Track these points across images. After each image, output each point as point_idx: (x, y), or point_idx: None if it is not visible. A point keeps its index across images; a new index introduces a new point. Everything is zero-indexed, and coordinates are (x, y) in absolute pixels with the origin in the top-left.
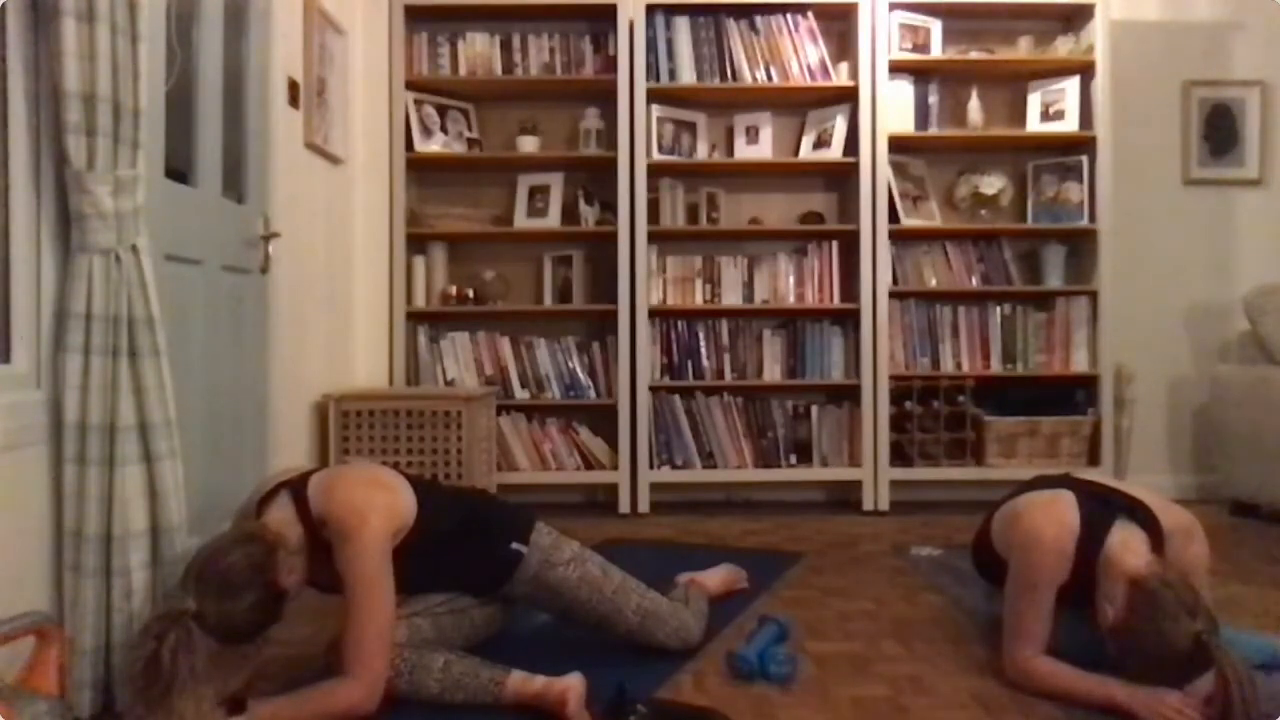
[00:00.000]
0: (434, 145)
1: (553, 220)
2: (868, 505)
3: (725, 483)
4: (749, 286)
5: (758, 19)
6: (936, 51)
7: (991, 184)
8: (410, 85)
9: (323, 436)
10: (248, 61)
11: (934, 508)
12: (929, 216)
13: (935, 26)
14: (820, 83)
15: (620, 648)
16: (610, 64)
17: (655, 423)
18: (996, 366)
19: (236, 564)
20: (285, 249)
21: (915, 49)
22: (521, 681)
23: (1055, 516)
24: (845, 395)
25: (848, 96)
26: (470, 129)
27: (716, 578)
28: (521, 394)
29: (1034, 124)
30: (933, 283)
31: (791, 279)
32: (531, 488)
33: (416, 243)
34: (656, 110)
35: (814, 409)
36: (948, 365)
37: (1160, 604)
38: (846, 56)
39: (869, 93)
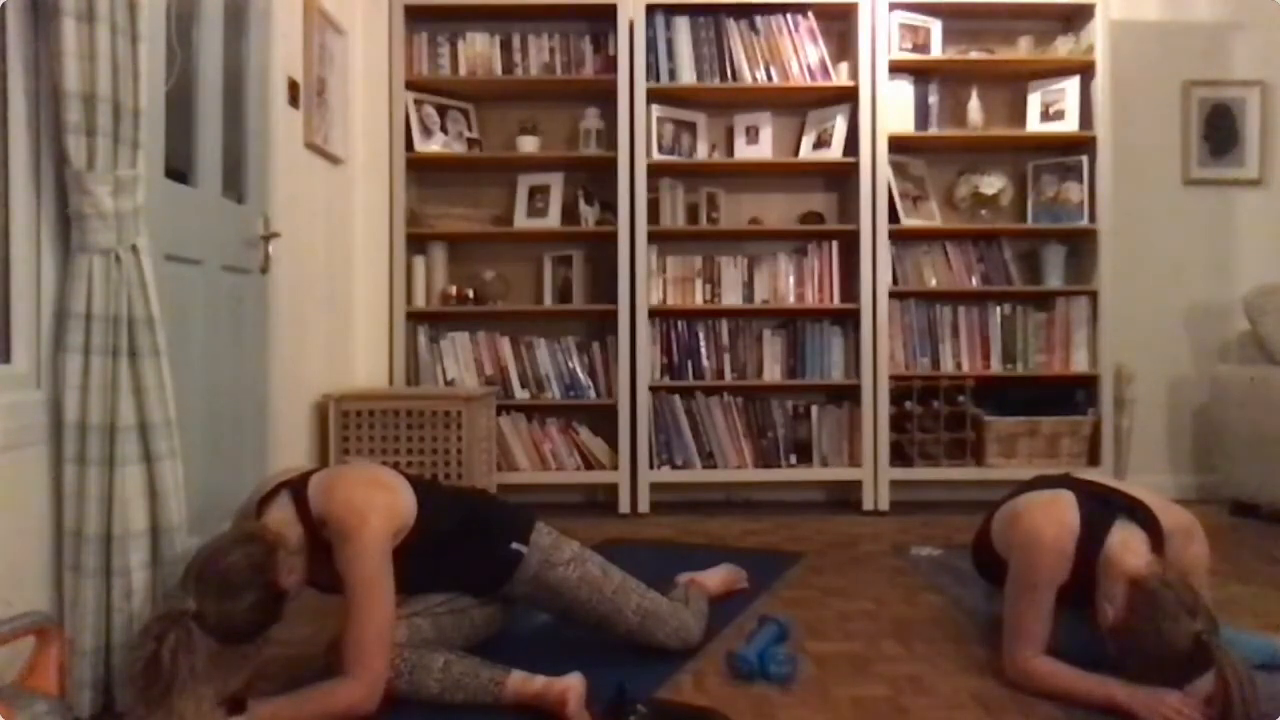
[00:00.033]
0: (434, 145)
1: (553, 220)
2: (868, 505)
3: (725, 483)
4: (749, 286)
5: (758, 19)
6: (936, 51)
7: (991, 184)
8: (410, 85)
9: (323, 436)
10: (248, 61)
11: (934, 508)
12: (929, 216)
13: (935, 26)
14: (820, 83)
15: (620, 648)
16: (610, 64)
17: (655, 423)
18: (996, 366)
19: (236, 564)
20: (285, 249)
21: (915, 49)
22: (521, 681)
23: (1055, 516)
24: (845, 395)
25: (848, 96)
26: (470, 129)
27: (716, 578)
28: (521, 394)
29: (1034, 124)
30: (933, 283)
31: (791, 279)
32: (531, 488)
33: (416, 243)
34: (656, 110)
35: (814, 409)
36: (948, 365)
37: (1160, 604)
38: (846, 56)
39: (869, 93)
